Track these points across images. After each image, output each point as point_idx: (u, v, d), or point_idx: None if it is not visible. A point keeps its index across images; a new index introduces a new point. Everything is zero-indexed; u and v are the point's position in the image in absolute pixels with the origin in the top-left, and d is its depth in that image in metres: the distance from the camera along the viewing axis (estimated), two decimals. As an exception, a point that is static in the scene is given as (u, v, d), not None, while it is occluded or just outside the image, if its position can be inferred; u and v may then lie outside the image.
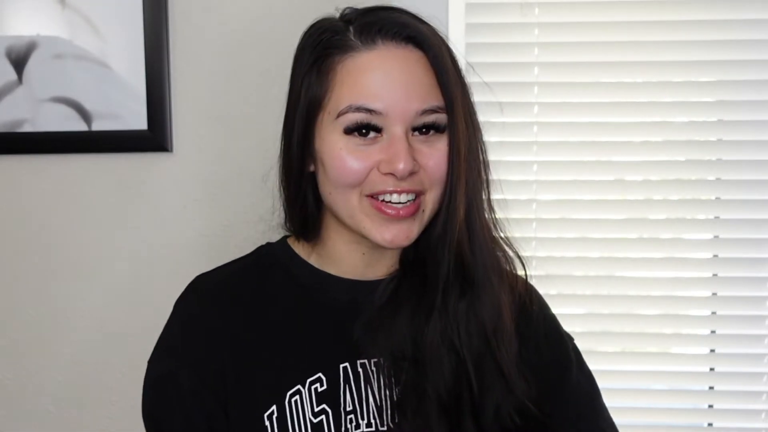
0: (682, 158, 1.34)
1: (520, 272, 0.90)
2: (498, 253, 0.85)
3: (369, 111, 0.76)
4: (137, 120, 1.26)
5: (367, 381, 0.82)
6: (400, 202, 0.77)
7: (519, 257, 0.89)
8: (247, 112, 1.27)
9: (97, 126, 1.26)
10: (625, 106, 1.33)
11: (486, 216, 0.83)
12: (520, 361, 0.84)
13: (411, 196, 0.78)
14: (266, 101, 1.26)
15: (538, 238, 1.34)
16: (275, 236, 0.92)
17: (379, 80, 0.76)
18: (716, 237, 1.35)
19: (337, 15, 0.82)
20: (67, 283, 1.30)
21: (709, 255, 1.36)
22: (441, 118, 0.78)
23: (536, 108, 1.33)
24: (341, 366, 0.82)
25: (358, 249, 0.84)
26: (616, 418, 1.40)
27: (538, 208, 1.34)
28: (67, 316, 1.30)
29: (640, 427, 1.39)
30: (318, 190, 0.83)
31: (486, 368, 0.82)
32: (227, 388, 0.80)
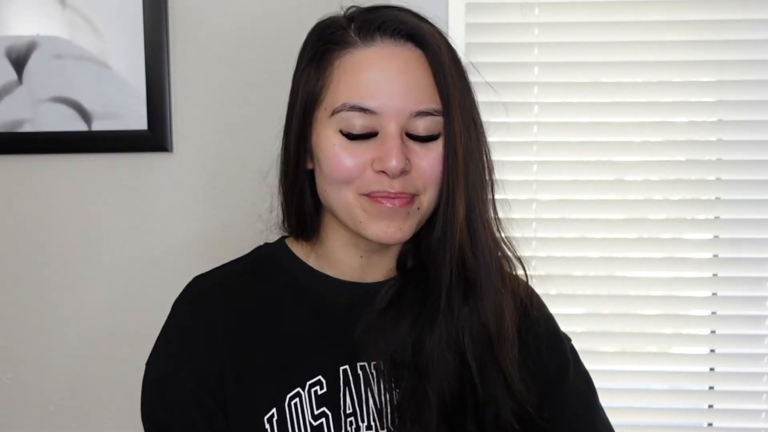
0: (682, 158, 1.34)
1: (521, 273, 0.90)
2: (500, 255, 0.85)
3: (363, 110, 0.76)
4: (137, 120, 1.26)
5: (367, 383, 0.82)
6: (390, 193, 0.77)
7: (520, 260, 0.88)
8: (247, 112, 1.27)
9: (97, 126, 1.26)
10: (625, 106, 1.33)
11: (489, 218, 0.82)
12: (521, 366, 0.84)
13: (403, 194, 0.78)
14: (266, 101, 1.26)
15: (538, 238, 1.34)
16: (274, 237, 0.92)
17: (375, 78, 0.76)
18: (716, 237, 1.35)
19: (342, 13, 0.82)
20: (67, 283, 1.30)
21: (709, 255, 1.36)
22: (437, 121, 0.77)
23: (536, 108, 1.33)
24: (341, 368, 0.81)
25: (356, 251, 0.84)
26: (616, 418, 1.40)
27: (538, 208, 1.34)
28: (66, 316, 1.30)
29: (640, 427, 1.39)
30: (316, 188, 0.83)
31: (489, 373, 0.81)
32: (226, 389, 0.79)
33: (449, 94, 0.77)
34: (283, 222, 0.89)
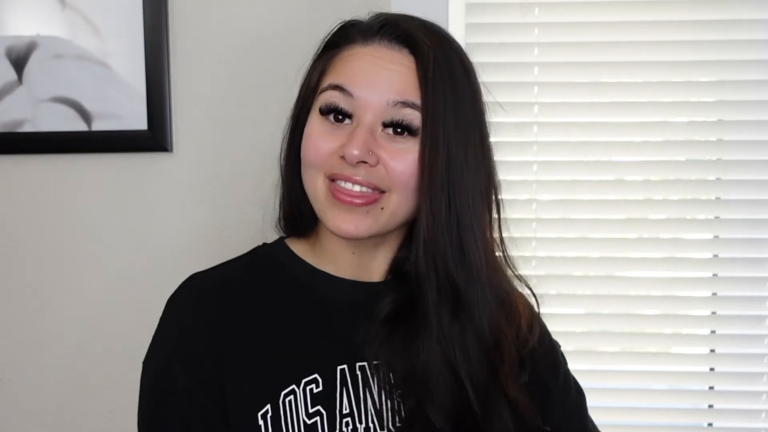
0: (682, 158, 1.34)
1: (526, 292, 0.91)
2: (501, 280, 0.85)
3: (343, 90, 0.78)
4: (137, 120, 1.26)
5: (366, 384, 0.81)
6: (352, 191, 0.78)
7: (525, 281, 0.89)
8: (247, 112, 1.27)
9: (97, 126, 1.26)
10: (625, 106, 1.33)
11: (486, 238, 0.82)
12: (527, 388, 0.85)
13: (366, 189, 0.78)
14: (266, 101, 1.26)
15: (538, 238, 1.34)
16: (273, 237, 0.93)
17: (362, 68, 0.79)
18: (716, 237, 1.35)
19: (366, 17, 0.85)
20: (67, 283, 1.30)
21: (709, 255, 1.36)
22: (414, 116, 0.78)
23: (536, 108, 1.33)
24: (339, 368, 0.81)
25: (347, 248, 0.84)
26: (617, 418, 1.41)
27: (538, 208, 1.34)
28: (66, 316, 1.30)
29: (640, 427, 1.39)
30: None
31: (491, 396, 0.81)
32: (224, 385, 0.79)
33: (434, 101, 0.77)
34: (279, 221, 0.90)
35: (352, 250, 0.84)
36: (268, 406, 0.78)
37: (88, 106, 1.26)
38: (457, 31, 1.29)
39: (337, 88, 0.79)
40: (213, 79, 1.27)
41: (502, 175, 1.32)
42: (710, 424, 1.38)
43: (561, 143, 1.34)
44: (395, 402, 0.81)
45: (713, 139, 1.35)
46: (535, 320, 0.90)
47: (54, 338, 1.30)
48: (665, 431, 1.40)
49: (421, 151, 0.77)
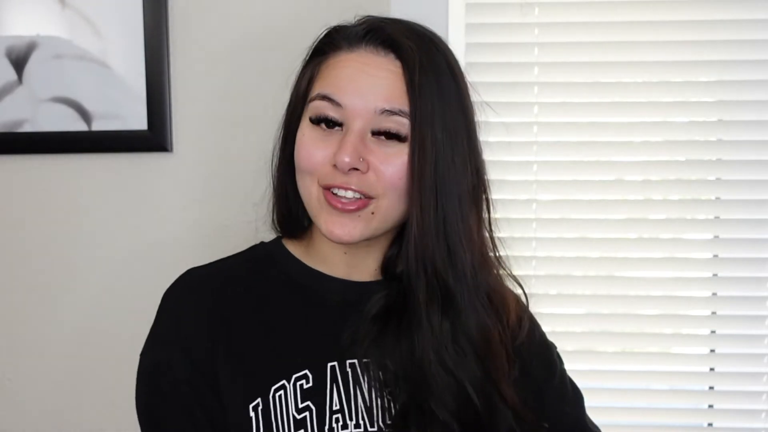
0: (682, 158, 1.34)
1: (518, 292, 0.91)
2: (488, 277, 0.85)
3: (331, 101, 0.79)
4: (137, 120, 1.26)
5: (356, 382, 0.82)
6: (345, 197, 0.79)
7: (515, 278, 0.90)
8: (247, 112, 1.27)
9: (97, 126, 1.26)
10: (625, 106, 1.33)
11: (475, 236, 0.83)
12: (518, 384, 0.85)
13: (357, 195, 0.79)
14: (266, 101, 1.26)
15: (538, 238, 1.34)
16: (267, 234, 0.93)
17: (348, 76, 0.80)
18: (716, 237, 1.35)
19: (353, 21, 0.86)
20: (66, 283, 1.30)
21: (709, 255, 1.36)
22: (403, 122, 0.78)
23: (536, 108, 1.33)
24: (329, 365, 0.82)
25: (340, 248, 0.85)
26: (617, 418, 1.41)
27: (538, 208, 1.34)
28: (66, 316, 1.30)
29: (640, 427, 1.39)
30: None
31: (488, 391, 0.82)
32: (219, 376, 0.80)
33: (421, 105, 0.78)
34: (273, 222, 0.91)
35: (344, 250, 0.86)
36: (259, 400, 0.79)
37: (88, 106, 1.26)
38: (457, 31, 1.29)
39: (325, 98, 0.80)
40: (213, 79, 1.27)
41: (502, 175, 1.33)
42: (710, 424, 1.38)
43: (561, 143, 1.34)
44: (385, 399, 0.82)
45: (713, 139, 1.35)
46: (524, 314, 0.91)
47: (54, 338, 1.30)
48: (665, 431, 1.40)
49: (410, 155, 0.79)
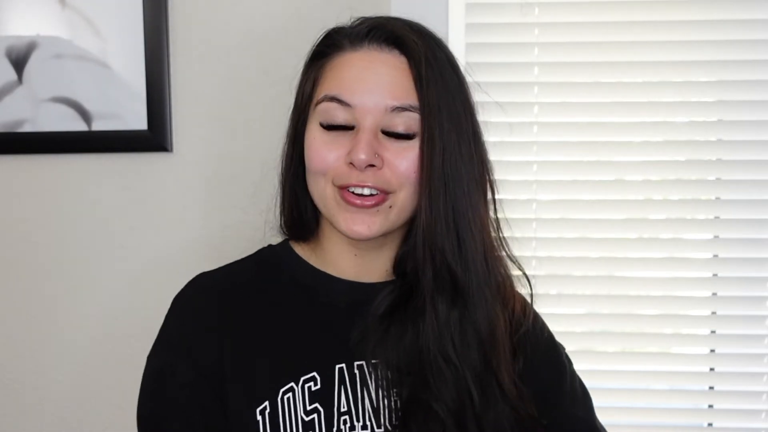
0: (682, 158, 1.34)
1: (522, 290, 0.91)
2: (498, 266, 0.85)
3: (340, 101, 0.79)
4: (137, 120, 1.26)
5: (363, 383, 0.82)
6: (362, 194, 0.79)
7: (521, 269, 0.89)
8: (247, 112, 1.27)
9: (97, 126, 1.26)
10: (625, 106, 1.33)
11: (482, 225, 0.83)
12: (521, 374, 0.85)
13: (374, 191, 0.79)
14: (266, 101, 1.26)
15: (538, 238, 1.34)
16: (274, 237, 0.93)
17: (356, 75, 0.80)
18: (716, 237, 1.35)
19: (349, 23, 0.86)
20: (66, 283, 1.30)
21: (709, 255, 1.36)
22: (413, 117, 0.79)
23: (536, 108, 1.33)
24: (337, 367, 0.82)
25: (350, 249, 0.86)
26: (617, 418, 1.41)
27: (538, 208, 1.34)
28: (67, 316, 1.30)
29: (640, 427, 1.39)
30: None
31: (487, 382, 0.82)
32: (225, 382, 0.80)
33: (429, 98, 0.79)
34: (281, 225, 0.91)
35: (354, 252, 0.86)
36: (267, 403, 0.80)
37: (88, 106, 1.26)
38: (457, 31, 1.29)
39: (333, 99, 0.80)
40: (213, 79, 1.27)
41: (502, 175, 1.32)
42: (710, 424, 1.38)
43: (561, 143, 1.34)
44: (392, 400, 0.82)
45: (713, 139, 1.35)
46: (527, 307, 0.91)
47: (55, 339, 1.30)
48: (665, 431, 1.40)
49: (421, 148, 0.79)
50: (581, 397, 0.95)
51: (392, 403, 0.82)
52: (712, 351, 1.38)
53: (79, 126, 1.26)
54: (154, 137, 1.26)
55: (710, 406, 1.39)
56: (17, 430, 1.31)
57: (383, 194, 0.80)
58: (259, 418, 0.79)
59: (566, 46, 1.33)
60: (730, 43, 1.31)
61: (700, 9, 1.31)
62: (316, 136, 0.81)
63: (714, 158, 1.34)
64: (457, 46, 1.28)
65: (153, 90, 1.25)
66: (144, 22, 1.24)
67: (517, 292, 0.91)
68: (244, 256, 0.93)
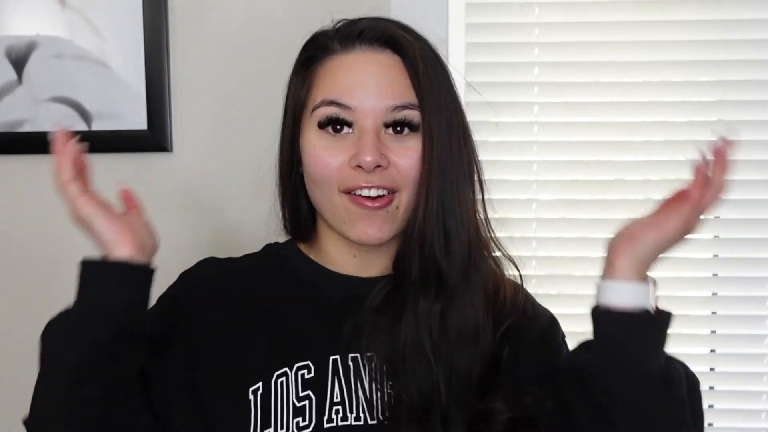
0: (682, 158, 1.34)
1: (514, 273, 0.90)
2: (486, 256, 0.85)
3: (340, 105, 0.80)
4: (137, 120, 1.26)
5: (357, 375, 0.82)
6: (370, 196, 0.79)
7: (511, 260, 0.88)
8: (247, 112, 1.27)
9: (97, 126, 1.26)
10: (625, 106, 1.33)
11: (470, 219, 0.82)
12: (510, 370, 0.84)
13: (382, 192, 0.80)
14: (266, 101, 1.26)
15: (538, 238, 1.34)
16: (275, 237, 0.93)
17: (353, 78, 0.80)
18: (716, 237, 1.35)
19: (331, 25, 0.86)
20: (67, 283, 1.30)
21: (709, 255, 1.36)
22: (414, 114, 0.80)
23: (536, 108, 1.33)
24: (331, 358, 0.82)
25: (349, 250, 0.86)
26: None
27: (538, 208, 1.34)
28: (67, 316, 1.30)
29: (640, 427, 1.39)
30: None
31: (458, 375, 0.80)
32: (204, 354, 0.83)
33: (425, 95, 0.79)
34: (285, 227, 0.92)
35: (353, 253, 0.86)
36: (260, 384, 0.80)
37: (88, 106, 1.26)
38: (457, 31, 1.30)
39: (332, 103, 0.80)
40: (213, 79, 1.27)
41: (502, 175, 1.33)
42: (710, 424, 1.38)
43: (561, 143, 1.34)
44: (386, 393, 0.82)
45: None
46: (519, 293, 0.89)
47: (54, 338, 1.30)
48: None
49: (423, 145, 0.80)
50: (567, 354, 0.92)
51: (385, 396, 0.82)
52: (712, 351, 1.38)
53: (79, 126, 1.26)
54: (154, 137, 1.26)
55: (710, 406, 1.39)
56: (13, 428, 1.31)
57: (391, 194, 0.80)
58: (251, 398, 0.80)
59: (566, 46, 1.33)
60: (730, 43, 1.31)
61: (700, 9, 1.31)
62: (315, 142, 0.81)
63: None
64: (457, 46, 1.28)
65: (153, 90, 1.25)
66: (144, 22, 1.24)
67: (510, 280, 0.89)
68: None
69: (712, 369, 1.37)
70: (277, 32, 1.25)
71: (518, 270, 0.90)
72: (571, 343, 1.02)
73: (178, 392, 0.82)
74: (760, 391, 1.36)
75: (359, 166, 0.78)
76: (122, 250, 0.81)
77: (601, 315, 0.81)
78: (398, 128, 0.80)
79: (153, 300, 0.89)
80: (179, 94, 1.27)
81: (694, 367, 1.43)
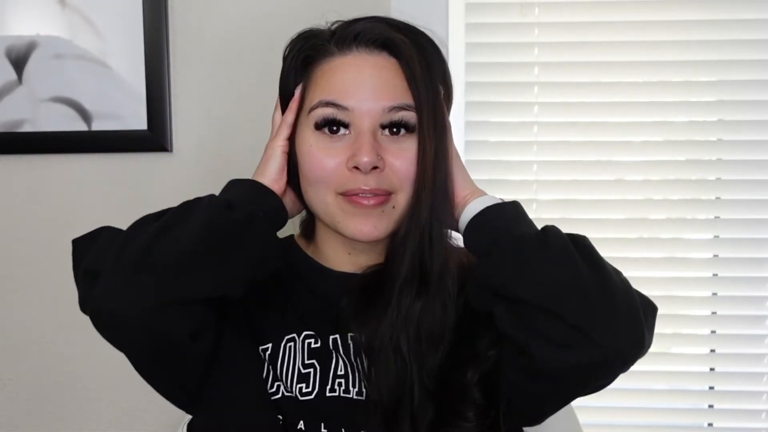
0: (682, 158, 1.34)
1: None
2: (452, 252, 0.84)
3: (337, 106, 0.80)
4: (137, 120, 1.26)
5: (357, 353, 0.83)
6: (367, 195, 0.80)
7: None
8: (247, 112, 1.27)
9: (97, 126, 1.26)
10: (625, 106, 1.33)
11: (452, 221, 0.82)
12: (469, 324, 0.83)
13: (377, 192, 0.80)
14: (266, 101, 1.25)
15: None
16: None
17: (350, 80, 0.81)
18: (716, 237, 1.35)
19: (326, 26, 0.86)
20: (67, 283, 1.30)
21: (709, 255, 1.36)
22: (410, 116, 0.80)
23: (536, 108, 1.33)
24: (331, 337, 0.84)
25: (344, 248, 0.87)
26: (617, 418, 1.40)
27: (538, 208, 1.34)
28: (67, 316, 1.30)
29: (641, 427, 1.39)
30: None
31: (431, 375, 0.80)
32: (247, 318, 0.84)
33: (422, 97, 0.80)
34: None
35: (348, 250, 0.87)
36: (270, 345, 0.83)
37: (88, 106, 1.26)
38: (457, 31, 1.29)
39: (329, 104, 0.81)
40: (213, 79, 1.27)
41: (502, 174, 1.33)
42: (710, 424, 1.38)
43: (561, 143, 1.34)
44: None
45: (713, 139, 1.35)
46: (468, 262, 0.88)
47: (54, 339, 1.30)
48: (665, 431, 1.40)
49: (419, 149, 0.80)
50: None
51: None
52: (712, 351, 1.38)
53: (79, 126, 1.26)
54: (154, 137, 1.26)
55: (710, 406, 1.39)
56: (12, 428, 1.31)
57: (386, 195, 0.81)
58: (261, 354, 0.83)
59: (566, 46, 1.33)
60: (730, 43, 1.31)
61: (700, 9, 1.31)
62: (311, 142, 0.82)
63: (714, 158, 1.34)
64: (457, 46, 1.28)
65: (153, 90, 1.25)
66: (144, 22, 1.24)
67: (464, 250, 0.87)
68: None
69: (712, 369, 1.37)
70: (277, 32, 1.25)
71: None
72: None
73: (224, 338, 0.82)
74: (760, 391, 1.36)
75: (356, 168, 0.79)
76: (276, 186, 0.84)
77: (467, 232, 0.81)
78: (395, 129, 0.81)
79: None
80: (179, 94, 1.27)
81: (694, 367, 1.45)
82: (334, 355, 0.83)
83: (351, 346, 0.83)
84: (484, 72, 1.32)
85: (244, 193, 0.83)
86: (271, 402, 0.80)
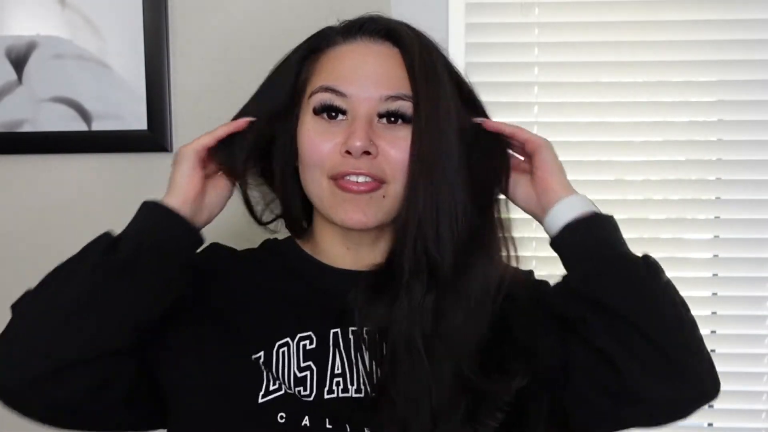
0: (682, 158, 1.34)
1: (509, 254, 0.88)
2: (485, 253, 0.83)
3: (335, 92, 0.81)
4: (137, 120, 1.26)
5: (358, 348, 0.83)
6: (357, 182, 0.81)
7: (508, 252, 0.87)
8: (247, 112, 1.27)
9: (97, 126, 1.26)
10: (625, 106, 1.33)
11: (464, 218, 0.81)
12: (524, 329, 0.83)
13: (368, 179, 0.80)
14: (266, 101, 1.26)
15: (538, 238, 1.34)
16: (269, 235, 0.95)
17: (350, 66, 0.82)
18: (716, 237, 1.35)
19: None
20: (67, 283, 1.30)
21: (709, 255, 1.36)
22: (407, 106, 0.81)
23: (536, 108, 1.33)
24: (332, 331, 0.83)
25: (343, 242, 0.88)
26: (616, 418, 1.38)
27: (538, 208, 1.34)
28: (67, 316, 1.30)
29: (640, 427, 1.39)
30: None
31: (442, 369, 0.79)
32: (215, 322, 0.83)
33: (419, 88, 0.80)
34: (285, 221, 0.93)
35: (346, 246, 0.88)
36: (262, 353, 0.81)
37: (88, 106, 1.26)
38: (457, 31, 1.30)
39: (328, 89, 0.82)
40: (213, 79, 1.27)
41: (502, 175, 1.32)
42: (710, 424, 1.38)
43: (561, 143, 1.33)
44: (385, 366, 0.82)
45: (713, 139, 1.35)
46: (520, 276, 0.89)
47: (54, 338, 1.30)
48: (665, 431, 1.39)
49: (413, 138, 0.80)
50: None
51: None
52: (712, 351, 1.37)
53: (79, 126, 1.26)
54: (153, 137, 1.26)
55: (710, 406, 1.38)
56: (12, 428, 1.31)
57: (377, 182, 0.81)
58: (254, 363, 0.81)
59: (566, 46, 1.33)
60: (730, 43, 1.31)
61: (700, 9, 1.31)
62: (309, 126, 0.83)
63: (714, 158, 1.34)
64: (457, 46, 1.28)
65: (153, 90, 1.25)
66: (144, 22, 1.24)
67: (510, 273, 0.86)
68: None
69: (712, 369, 1.37)
70: (278, 32, 1.25)
71: (508, 251, 0.87)
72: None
73: (187, 357, 0.82)
74: (760, 391, 1.36)
75: (348, 152, 0.80)
76: (182, 197, 0.86)
77: (562, 235, 0.84)
78: (392, 118, 0.81)
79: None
80: (179, 94, 1.27)
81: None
82: (331, 351, 0.82)
83: (351, 340, 0.83)
84: (484, 72, 1.32)
85: (141, 221, 0.86)
86: (261, 409, 0.79)
